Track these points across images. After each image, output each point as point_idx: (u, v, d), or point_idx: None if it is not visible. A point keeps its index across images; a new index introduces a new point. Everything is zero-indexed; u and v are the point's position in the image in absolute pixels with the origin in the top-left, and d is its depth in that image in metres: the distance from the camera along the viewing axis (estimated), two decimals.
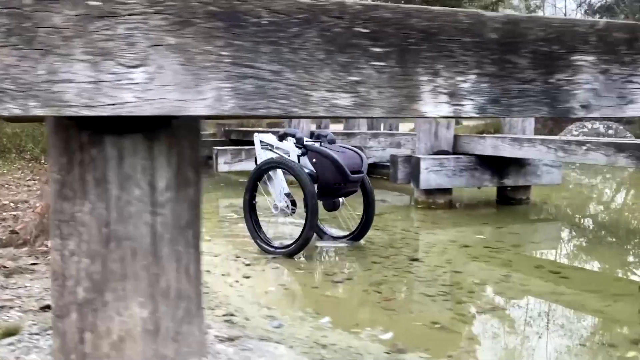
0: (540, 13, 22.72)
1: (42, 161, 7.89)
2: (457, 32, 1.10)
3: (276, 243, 3.32)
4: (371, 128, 10.37)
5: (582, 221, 5.12)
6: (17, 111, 0.84)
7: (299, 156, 3.35)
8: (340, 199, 3.54)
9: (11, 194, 4.90)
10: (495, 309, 2.38)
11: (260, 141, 3.70)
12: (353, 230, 3.63)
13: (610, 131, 11.76)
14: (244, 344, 1.41)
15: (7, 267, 2.31)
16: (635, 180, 8.19)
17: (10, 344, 1.28)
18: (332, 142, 3.56)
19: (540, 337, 2.05)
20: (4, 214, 3.78)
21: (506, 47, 1.16)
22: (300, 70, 0.99)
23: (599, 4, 20.55)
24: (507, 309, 2.34)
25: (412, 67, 1.08)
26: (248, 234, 3.96)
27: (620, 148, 3.93)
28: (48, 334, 1.18)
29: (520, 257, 3.31)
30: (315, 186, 3.26)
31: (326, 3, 1.00)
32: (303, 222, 3.13)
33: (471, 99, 1.15)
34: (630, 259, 3.61)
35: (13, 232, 3.07)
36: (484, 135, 5.99)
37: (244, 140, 9.08)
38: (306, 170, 3.23)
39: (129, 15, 0.88)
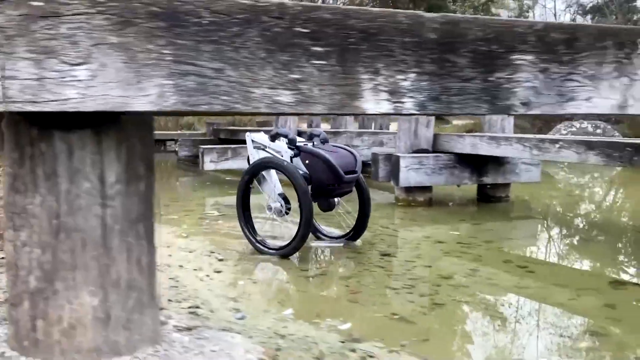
0: (531, 13, 22.79)
1: None
2: (397, 33, 1.15)
3: (270, 244, 3.27)
4: (362, 127, 10.45)
5: (559, 219, 5.21)
6: None
7: (291, 157, 3.33)
8: (336, 199, 3.49)
9: None
10: (457, 301, 2.44)
11: (252, 140, 3.62)
12: (349, 230, 3.55)
13: (599, 130, 11.86)
14: (201, 334, 1.45)
15: None
16: (622, 179, 8.32)
17: None
18: (325, 141, 3.54)
19: (494, 328, 2.11)
20: None
21: (445, 47, 1.21)
22: (242, 68, 1.04)
23: (590, 4, 20.66)
24: (468, 301, 2.40)
25: (353, 65, 1.13)
26: (226, 231, 3.99)
27: (590, 146, 4.03)
28: (7, 324, 1.22)
29: (491, 252, 3.38)
30: (309, 187, 3.23)
31: (267, 4, 1.04)
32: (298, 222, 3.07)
33: (411, 97, 1.20)
34: (604, 255, 3.69)
35: None
36: (463, 134, 6.06)
37: (232, 139, 9.11)
38: (300, 172, 3.21)
39: (72, 15, 0.93)
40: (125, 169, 1.15)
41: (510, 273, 2.93)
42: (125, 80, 0.97)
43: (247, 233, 3.32)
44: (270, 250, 3.22)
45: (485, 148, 5.11)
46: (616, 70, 1.39)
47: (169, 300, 2.04)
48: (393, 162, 5.44)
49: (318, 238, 3.68)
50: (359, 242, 3.57)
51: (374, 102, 1.17)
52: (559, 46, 1.33)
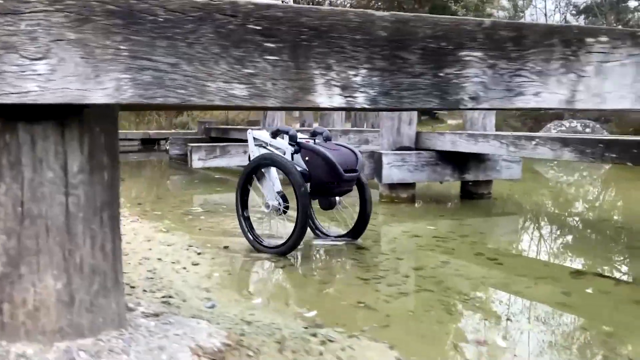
0: (526, 13, 22.86)
1: None
2: (348, 30, 1.22)
3: (268, 241, 3.23)
4: (354, 125, 10.53)
5: (537, 215, 5.30)
6: None
7: (292, 154, 3.30)
8: (337, 198, 3.43)
9: None
10: (422, 290, 2.51)
11: (254, 138, 3.60)
12: (350, 229, 3.51)
13: (588, 129, 11.96)
14: (167, 319, 1.50)
15: None
16: (610, 177, 8.44)
17: None
18: (328, 139, 3.49)
19: (450, 314, 2.18)
20: None
21: (396, 44, 1.27)
22: (196, 63, 1.10)
23: (584, 4, 20.73)
24: (433, 290, 2.47)
25: (305, 61, 1.19)
26: (208, 226, 4.04)
27: (565, 143, 4.12)
28: None
29: (465, 246, 3.44)
30: (308, 185, 3.20)
31: (220, 2, 1.10)
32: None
33: (363, 92, 1.26)
34: (574, 248, 3.78)
35: None
36: (444, 132, 6.14)
37: (223, 138, 9.16)
38: (299, 169, 3.18)
39: (31, 12, 0.99)
40: (88, 159, 1.21)
41: (480, 265, 3.01)
42: (84, 74, 1.02)
43: (245, 230, 3.28)
44: (268, 249, 3.18)
45: (464, 145, 5.20)
46: (563, 66, 1.46)
47: (144, 290, 2.09)
48: (376, 159, 5.51)
49: (318, 237, 3.64)
50: (359, 240, 3.54)
51: (327, 97, 1.23)
52: (507, 43, 1.40)
